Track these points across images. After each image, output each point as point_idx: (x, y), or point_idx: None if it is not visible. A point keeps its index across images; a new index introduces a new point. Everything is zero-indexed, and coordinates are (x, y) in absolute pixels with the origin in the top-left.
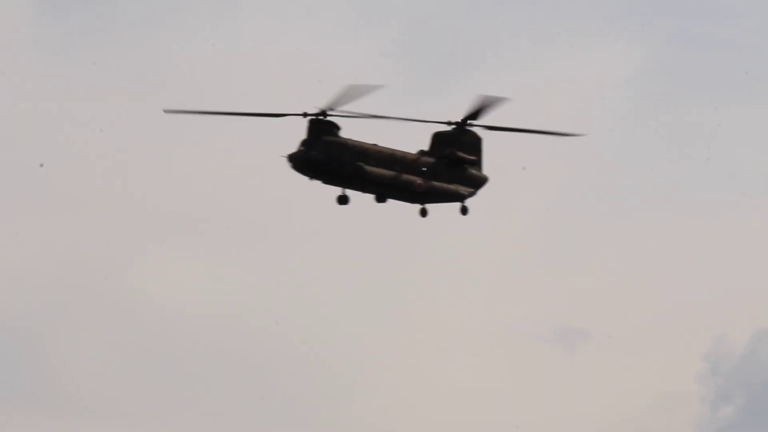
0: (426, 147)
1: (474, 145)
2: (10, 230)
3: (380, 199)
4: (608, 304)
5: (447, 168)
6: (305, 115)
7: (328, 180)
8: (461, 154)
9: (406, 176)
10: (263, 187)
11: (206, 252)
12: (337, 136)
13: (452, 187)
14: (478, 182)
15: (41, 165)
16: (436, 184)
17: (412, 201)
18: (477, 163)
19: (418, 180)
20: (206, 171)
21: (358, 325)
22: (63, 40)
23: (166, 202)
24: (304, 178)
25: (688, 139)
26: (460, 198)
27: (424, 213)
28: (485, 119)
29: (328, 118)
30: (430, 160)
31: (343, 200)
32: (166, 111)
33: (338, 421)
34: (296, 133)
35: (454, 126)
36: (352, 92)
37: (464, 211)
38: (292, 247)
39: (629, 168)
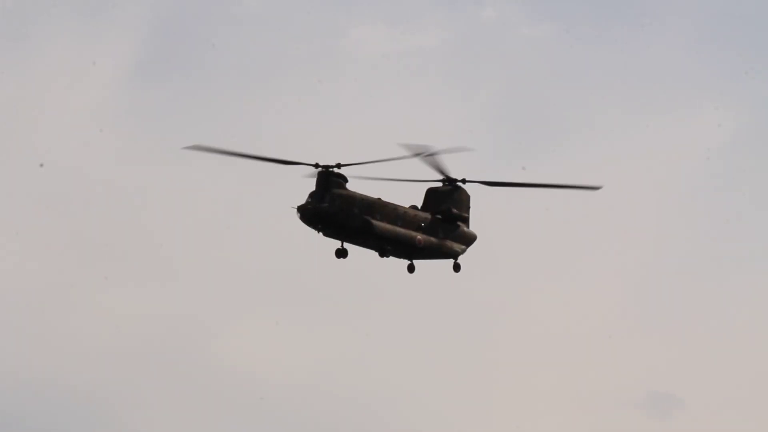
0: (417, 202)
1: (464, 202)
2: (94, 301)
3: (383, 254)
4: (701, 370)
5: (442, 225)
6: (317, 165)
7: (335, 233)
8: (456, 211)
9: (408, 231)
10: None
11: (287, 320)
12: (345, 188)
13: (448, 243)
14: (469, 239)
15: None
16: (434, 240)
17: (408, 257)
18: (467, 221)
19: (419, 236)
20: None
21: (446, 391)
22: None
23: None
24: (312, 231)
25: None
26: (454, 255)
27: (411, 269)
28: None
29: (338, 171)
30: (428, 216)
31: (341, 254)
32: (186, 148)
33: None
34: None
35: (446, 183)
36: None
37: (457, 268)
38: (369, 314)
39: (725, 232)
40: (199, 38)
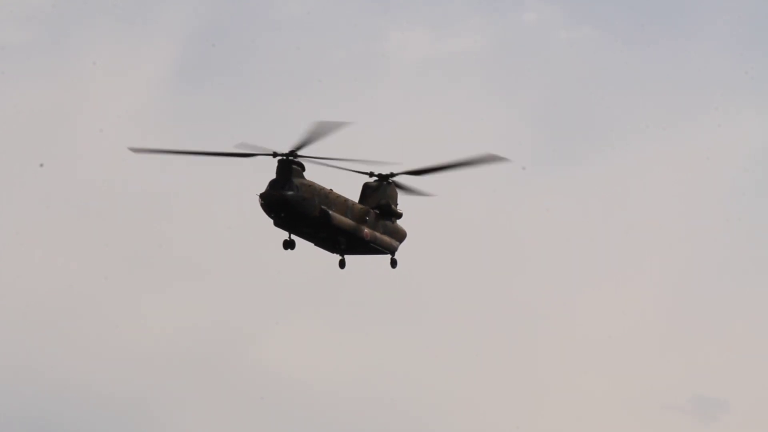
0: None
1: (395, 197)
2: (133, 306)
3: (336, 249)
4: (747, 374)
5: (381, 220)
6: (275, 155)
7: (294, 222)
8: (394, 207)
9: (357, 224)
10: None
11: (328, 324)
12: (303, 177)
13: (387, 238)
14: (402, 236)
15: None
16: (377, 234)
17: (353, 251)
18: (400, 217)
19: (366, 229)
20: None
21: (488, 394)
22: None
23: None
24: (270, 220)
25: None
26: (392, 250)
27: (343, 264)
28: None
29: (297, 159)
30: (370, 210)
31: (289, 245)
32: (132, 149)
33: None
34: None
35: (376, 179)
36: (321, 130)
37: (394, 264)
38: (412, 317)
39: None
40: (240, 43)
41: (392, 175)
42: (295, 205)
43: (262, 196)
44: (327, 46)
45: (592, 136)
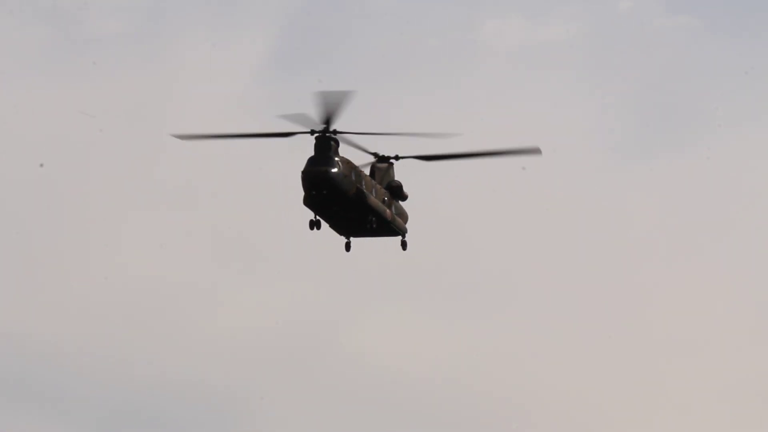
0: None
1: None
2: (212, 294)
3: (353, 234)
4: None
5: (393, 201)
6: (312, 132)
7: (330, 200)
8: (404, 190)
9: (382, 205)
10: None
11: (418, 312)
12: (338, 154)
13: (399, 220)
14: (407, 218)
15: None
16: (395, 216)
17: (372, 233)
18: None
19: (388, 210)
20: None
21: (571, 386)
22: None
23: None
24: (313, 197)
25: None
26: (404, 232)
27: (348, 247)
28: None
29: (335, 135)
30: (385, 191)
31: (315, 224)
32: (174, 135)
33: None
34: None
35: (381, 159)
36: (332, 100)
37: (405, 246)
38: (499, 305)
39: None
40: (333, 33)
41: (397, 158)
42: (337, 183)
43: (305, 172)
44: (419, 35)
45: (683, 125)
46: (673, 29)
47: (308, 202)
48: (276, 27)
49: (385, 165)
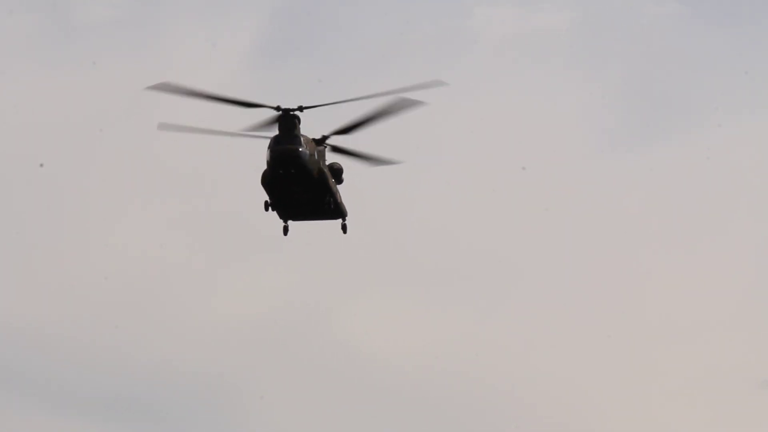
0: None
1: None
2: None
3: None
4: None
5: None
6: (278, 108)
7: (294, 180)
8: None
9: (334, 187)
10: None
11: (410, 299)
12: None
13: (342, 202)
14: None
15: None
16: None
17: (304, 216)
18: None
19: (338, 192)
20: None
21: (572, 375)
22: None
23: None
24: (278, 177)
25: None
26: (344, 216)
27: (286, 231)
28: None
29: (299, 113)
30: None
31: (271, 206)
32: (149, 87)
33: None
34: None
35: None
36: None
37: (345, 229)
38: (494, 293)
39: None
40: (322, 20)
41: (325, 138)
42: (305, 162)
43: (275, 151)
44: (413, 20)
45: (674, 113)
46: (666, 16)
47: (268, 181)
48: (266, 13)
49: (323, 147)
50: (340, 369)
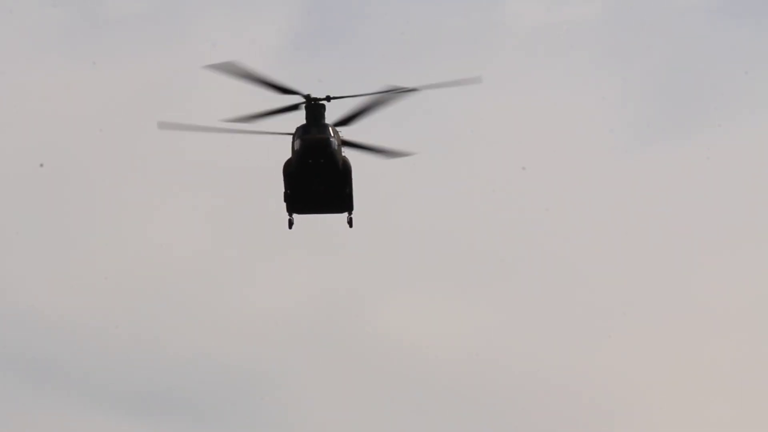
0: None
1: None
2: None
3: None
4: None
5: None
6: (308, 97)
7: (319, 171)
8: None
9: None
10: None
11: (445, 291)
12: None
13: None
14: None
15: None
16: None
17: (313, 210)
18: None
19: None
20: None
21: (614, 366)
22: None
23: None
24: (307, 167)
25: None
26: (351, 209)
27: (291, 225)
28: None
29: (326, 103)
30: None
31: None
32: (209, 66)
33: None
34: None
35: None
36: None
37: (351, 223)
38: (523, 286)
39: None
40: (352, 14)
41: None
42: (333, 152)
43: (306, 140)
44: (442, 14)
45: (705, 106)
46: (694, 7)
47: (292, 170)
48: (296, 5)
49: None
50: (376, 362)
